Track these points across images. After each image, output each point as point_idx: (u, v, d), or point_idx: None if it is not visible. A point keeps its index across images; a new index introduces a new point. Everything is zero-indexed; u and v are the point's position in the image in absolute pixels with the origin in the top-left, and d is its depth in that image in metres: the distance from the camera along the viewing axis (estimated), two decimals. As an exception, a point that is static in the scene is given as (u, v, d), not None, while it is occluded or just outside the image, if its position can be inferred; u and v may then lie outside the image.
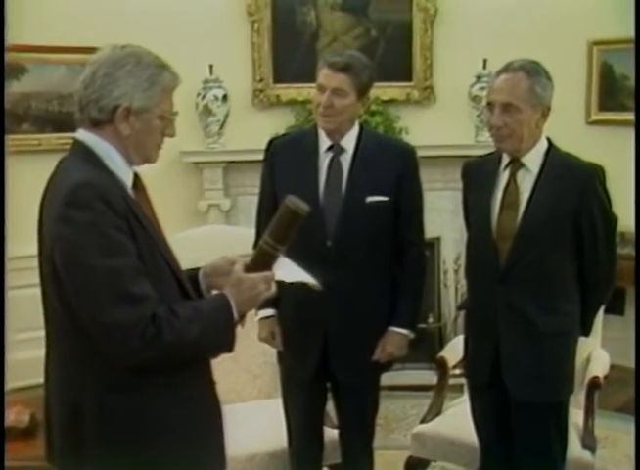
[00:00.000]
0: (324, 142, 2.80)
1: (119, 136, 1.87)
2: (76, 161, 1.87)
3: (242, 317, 1.92)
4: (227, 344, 1.88)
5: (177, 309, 1.80)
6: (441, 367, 3.44)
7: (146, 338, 1.74)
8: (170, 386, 1.86)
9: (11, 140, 4.47)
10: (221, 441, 2.01)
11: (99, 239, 1.74)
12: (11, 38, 4.34)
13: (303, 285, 2.05)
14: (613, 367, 3.37)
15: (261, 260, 1.94)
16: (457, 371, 3.46)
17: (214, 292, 2.03)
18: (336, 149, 2.79)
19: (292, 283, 2.02)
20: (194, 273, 2.06)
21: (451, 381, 3.48)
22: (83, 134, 1.90)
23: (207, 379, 1.99)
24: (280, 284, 1.99)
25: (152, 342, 1.74)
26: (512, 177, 2.66)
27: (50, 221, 1.80)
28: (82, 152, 1.88)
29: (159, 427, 1.86)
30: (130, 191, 1.90)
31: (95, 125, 1.87)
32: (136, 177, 1.95)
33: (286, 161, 2.84)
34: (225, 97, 4.87)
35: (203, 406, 1.95)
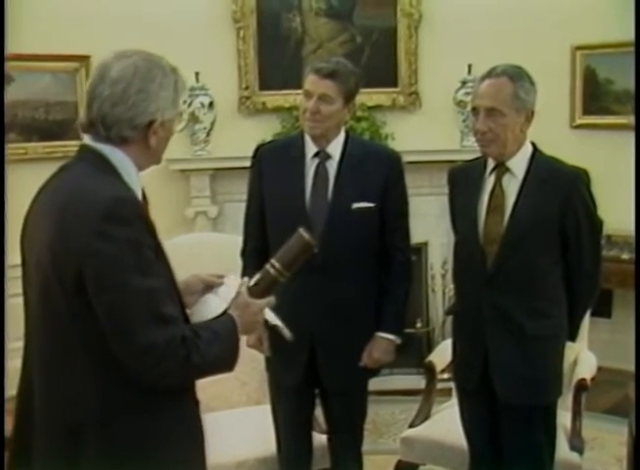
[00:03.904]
0: (310, 149, 2.80)
1: (145, 148, 1.84)
2: (95, 171, 1.80)
3: None
4: (231, 364, 1.88)
5: (199, 332, 1.80)
6: (429, 372, 3.44)
7: (178, 359, 1.73)
8: (173, 406, 1.84)
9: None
10: (204, 457, 1.99)
11: (137, 257, 1.70)
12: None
13: (277, 331, 2.05)
14: (600, 369, 3.38)
15: (266, 285, 1.96)
16: (445, 375, 3.47)
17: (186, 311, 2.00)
18: (322, 155, 2.80)
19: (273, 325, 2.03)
20: None
21: (439, 385, 3.48)
22: (95, 143, 1.82)
23: (195, 398, 1.96)
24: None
25: (183, 363, 1.74)
26: (498, 182, 2.67)
27: (79, 235, 1.70)
28: (97, 161, 1.81)
29: (160, 447, 1.83)
30: None
31: (124, 142, 1.81)
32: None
33: (272, 167, 2.84)
34: (211, 104, 4.88)
35: (195, 425, 1.94)
